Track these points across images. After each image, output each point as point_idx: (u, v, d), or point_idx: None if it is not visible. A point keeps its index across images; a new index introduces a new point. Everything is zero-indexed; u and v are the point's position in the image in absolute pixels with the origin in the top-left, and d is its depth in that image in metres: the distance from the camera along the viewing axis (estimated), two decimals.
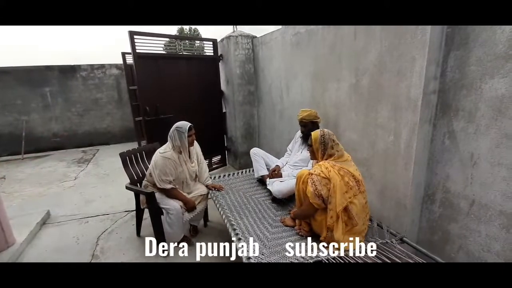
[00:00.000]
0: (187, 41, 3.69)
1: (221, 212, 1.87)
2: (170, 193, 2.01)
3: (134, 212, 2.76)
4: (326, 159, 1.54)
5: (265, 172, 2.33)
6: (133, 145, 5.37)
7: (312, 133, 1.61)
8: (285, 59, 2.74)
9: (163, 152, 2.00)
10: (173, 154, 2.00)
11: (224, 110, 3.94)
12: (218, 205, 1.98)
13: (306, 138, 2.20)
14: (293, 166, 2.27)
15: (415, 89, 1.43)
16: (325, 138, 1.55)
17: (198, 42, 5.23)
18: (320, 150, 1.55)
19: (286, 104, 2.90)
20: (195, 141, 2.15)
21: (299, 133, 2.38)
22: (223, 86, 3.78)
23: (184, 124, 2.01)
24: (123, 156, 2.21)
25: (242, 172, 2.60)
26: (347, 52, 1.89)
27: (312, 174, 1.48)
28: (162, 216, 2.02)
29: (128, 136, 6.06)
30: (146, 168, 2.33)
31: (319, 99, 2.29)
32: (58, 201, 3.14)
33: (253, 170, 2.63)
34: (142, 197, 2.14)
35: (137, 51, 2.75)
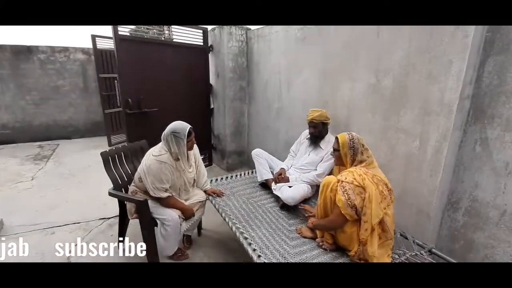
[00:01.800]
0: (155, 30, 3.27)
1: (229, 223, 1.65)
2: (166, 202, 1.73)
3: (111, 219, 2.42)
4: (355, 166, 1.41)
5: (270, 176, 2.14)
6: (101, 140, 4.87)
7: (339, 136, 1.47)
8: (287, 54, 2.57)
9: (158, 154, 1.70)
10: (170, 157, 1.72)
11: (212, 106, 3.66)
12: (223, 214, 1.75)
13: (314, 139, 2.06)
14: (299, 169, 2.12)
15: (450, 94, 1.36)
16: (354, 143, 1.41)
17: (167, 31, 4.79)
18: (349, 156, 1.42)
19: (285, 102, 2.74)
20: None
21: (304, 134, 2.23)
22: (212, 80, 3.49)
23: (182, 128, 1.72)
24: (105, 156, 1.85)
25: (240, 174, 2.38)
26: (366, 50, 1.78)
27: (342, 181, 1.34)
28: (155, 228, 1.73)
29: (94, 130, 5.42)
30: (132, 171, 2.01)
31: (327, 99, 2.17)
32: (13, 206, 2.60)
33: (252, 172, 2.43)
34: (129, 206, 1.82)
35: (120, 32, 2.36)
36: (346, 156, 1.43)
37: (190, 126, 1.74)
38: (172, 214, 1.71)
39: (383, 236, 1.33)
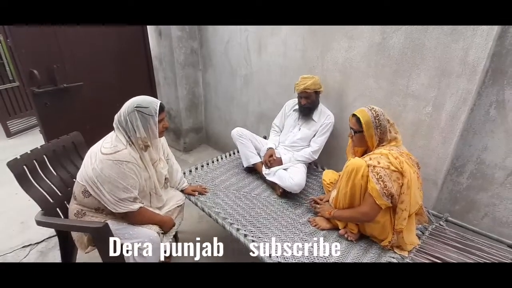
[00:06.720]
0: None
1: (228, 227, 1.29)
2: (138, 218, 1.23)
3: (43, 244, 1.78)
4: (383, 145, 1.20)
5: (258, 159, 1.80)
6: None
7: (359, 114, 1.20)
8: None
9: (112, 152, 1.14)
10: (132, 153, 1.18)
11: (155, 75, 2.91)
12: (215, 217, 1.36)
13: (307, 112, 1.77)
14: (290, 147, 1.84)
15: (476, 52, 1.21)
16: (380, 120, 1.18)
17: None
18: (376, 137, 1.19)
19: (255, 68, 2.31)
20: None
21: (289, 105, 1.92)
22: (153, 41, 2.71)
23: (151, 102, 1.18)
24: (16, 167, 1.17)
25: (217, 160, 1.96)
26: None
27: (375, 166, 1.11)
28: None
29: None
30: (67, 178, 1.38)
31: (315, 62, 1.85)
32: None
33: (230, 155, 2.05)
34: (78, 235, 1.24)
35: None
36: (372, 137, 1.19)
37: (160, 101, 1.21)
38: (149, 233, 1.24)
39: (417, 219, 1.21)
